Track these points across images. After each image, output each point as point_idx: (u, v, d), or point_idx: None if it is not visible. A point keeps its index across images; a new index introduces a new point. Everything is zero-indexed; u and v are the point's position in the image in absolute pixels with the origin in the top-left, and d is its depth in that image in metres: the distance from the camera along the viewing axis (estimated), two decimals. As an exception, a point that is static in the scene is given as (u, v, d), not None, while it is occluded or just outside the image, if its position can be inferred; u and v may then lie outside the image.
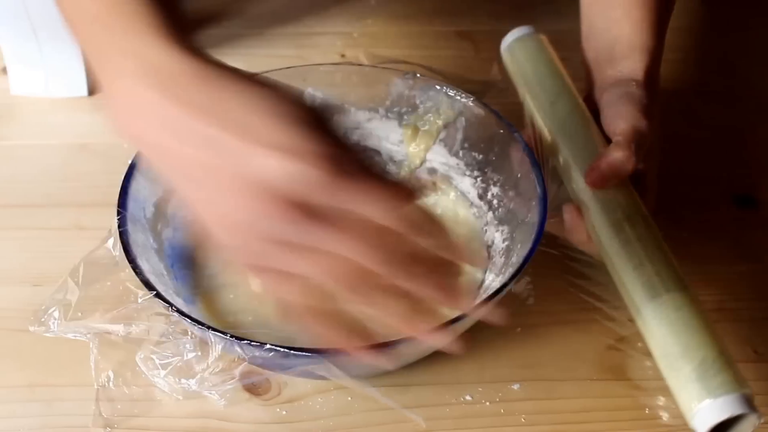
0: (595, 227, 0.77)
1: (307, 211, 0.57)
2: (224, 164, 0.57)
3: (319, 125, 0.58)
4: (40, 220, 0.92)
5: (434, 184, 0.93)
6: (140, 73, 0.59)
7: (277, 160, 0.55)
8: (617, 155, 0.76)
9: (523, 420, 0.76)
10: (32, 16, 1.00)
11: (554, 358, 0.80)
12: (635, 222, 0.75)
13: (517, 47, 0.94)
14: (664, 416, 0.76)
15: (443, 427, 0.75)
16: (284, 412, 0.76)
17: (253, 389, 0.77)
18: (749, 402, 0.66)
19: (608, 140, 0.80)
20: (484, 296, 0.73)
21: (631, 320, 0.81)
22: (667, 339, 0.70)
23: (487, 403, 0.77)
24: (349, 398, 0.77)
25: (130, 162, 0.79)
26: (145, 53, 0.59)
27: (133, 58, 0.59)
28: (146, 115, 0.59)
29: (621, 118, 0.79)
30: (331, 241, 0.59)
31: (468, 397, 0.77)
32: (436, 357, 0.76)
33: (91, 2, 0.62)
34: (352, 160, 0.58)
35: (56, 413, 0.75)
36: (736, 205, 0.97)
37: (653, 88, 0.84)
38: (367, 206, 0.58)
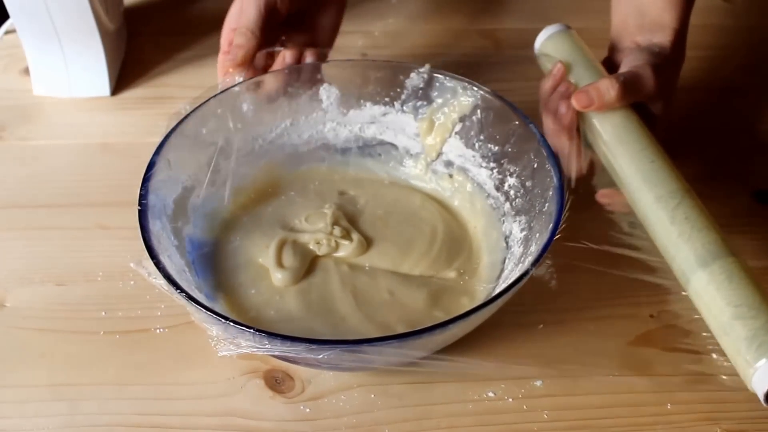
0: (638, 203, 0.81)
1: None
2: None
3: None
4: (62, 220, 0.93)
5: (451, 176, 0.93)
6: None
7: None
8: (604, 83, 0.85)
9: (545, 416, 0.76)
10: (54, 17, 1.00)
11: (576, 355, 0.80)
12: (681, 195, 0.79)
13: (550, 45, 0.95)
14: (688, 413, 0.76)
15: (466, 423, 0.75)
16: (307, 410, 0.76)
17: (277, 387, 0.77)
18: None
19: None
20: (505, 284, 0.73)
21: (653, 316, 0.81)
22: (720, 304, 0.72)
23: (510, 400, 0.77)
24: (373, 395, 0.77)
25: (149, 160, 0.80)
26: None
27: None
28: None
29: (626, 66, 0.88)
30: None
31: (491, 394, 0.77)
32: (459, 353, 0.76)
33: None
34: None
35: (80, 412, 0.75)
36: (756, 200, 0.96)
37: (676, 55, 0.89)
38: None
